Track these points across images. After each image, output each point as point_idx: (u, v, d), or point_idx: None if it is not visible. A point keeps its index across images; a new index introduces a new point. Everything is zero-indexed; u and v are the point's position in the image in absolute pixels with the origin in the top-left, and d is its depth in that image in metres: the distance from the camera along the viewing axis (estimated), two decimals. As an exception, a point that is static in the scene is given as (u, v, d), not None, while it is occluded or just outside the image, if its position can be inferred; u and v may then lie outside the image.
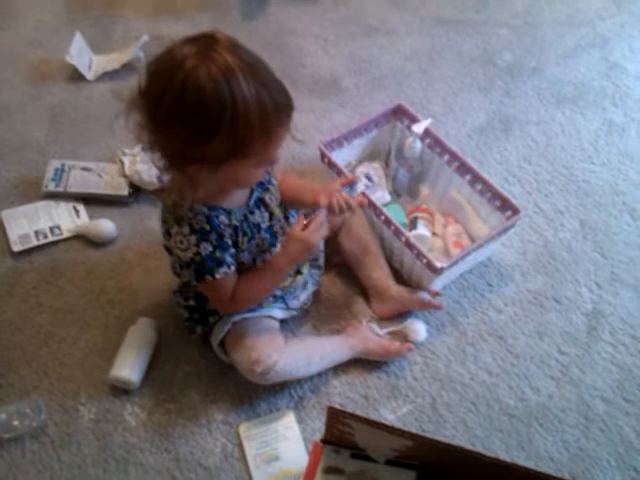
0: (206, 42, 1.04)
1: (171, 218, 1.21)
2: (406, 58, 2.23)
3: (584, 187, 1.88)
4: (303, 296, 1.52)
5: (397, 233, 1.52)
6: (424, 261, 1.47)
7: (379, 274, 1.57)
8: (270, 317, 1.45)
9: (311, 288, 1.54)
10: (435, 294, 1.55)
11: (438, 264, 1.44)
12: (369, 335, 1.52)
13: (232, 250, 1.26)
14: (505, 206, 1.57)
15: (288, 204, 1.45)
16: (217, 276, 1.24)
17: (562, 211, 1.82)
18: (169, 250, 1.30)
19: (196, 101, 1.01)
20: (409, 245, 1.50)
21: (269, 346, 1.36)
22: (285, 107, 1.09)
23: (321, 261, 1.56)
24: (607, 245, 1.74)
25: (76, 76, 2.10)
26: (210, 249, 1.21)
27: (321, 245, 1.54)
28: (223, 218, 1.23)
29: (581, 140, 2.00)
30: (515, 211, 1.54)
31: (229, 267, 1.25)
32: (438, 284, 1.58)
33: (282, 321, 1.51)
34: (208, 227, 1.21)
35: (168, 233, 1.23)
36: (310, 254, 1.42)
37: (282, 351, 1.38)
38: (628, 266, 1.70)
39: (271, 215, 1.36)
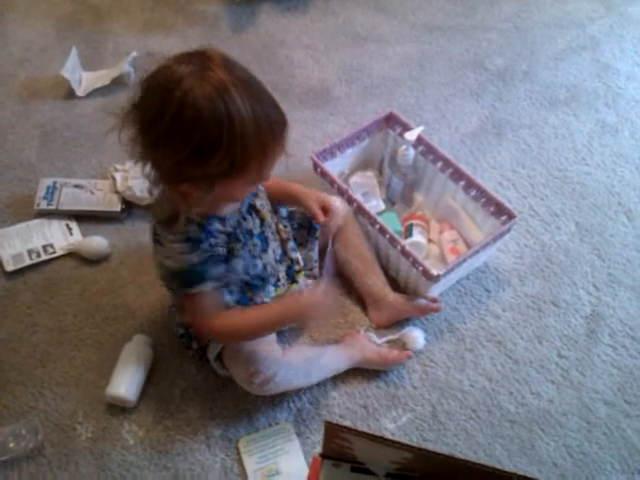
0: (200, 60, 1.03)
1: (164, 230, 1.19)
2: (396, 66, 2.23)
3: (579, 189, 1.87)
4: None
5: (392, 241, 1.51)
6: (420, 269, 1.46)
7: (375, 281, 1.56)
8: (267, 328, 1.44)
9: (307, 298, 1.53)
10: (432, 300, 1.54)
11: (434, 271, 1.43)
12: (367, 344, 1.51)
13: (220, 268, 1.24)
14: (500, 211, 1.56)
15: (278, 201, 1.48)
16: (193, 291, 1.21)
17: (558, 214, 1.81)
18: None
19: (194, 121, 1.00)
20: (405, 253, 1.49)
21: (267, 357, 1.34)
22: (279, 123, 1.09)
23: (315, 271, 1.54)
24: (604, 247, 1.74)
25: (66, 93, 2.10)
26: (196, 260, 1.19)
27: (315, 255, 1.54)
28: (217, 225, 1.22)
29: (575, 142, 2.00)
30: (510, 216, 1.53)
31: (210, 285, 1.22)
32: (435, 291, 1.56)
33: (279, 332, 1.50)
34: (202, 236, 1.19)
35: (160, 244, 1.21)
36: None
37: (280, 362, 1.36)
38: (625, 267, 1.70)
39: (262, 221, 1.35)
